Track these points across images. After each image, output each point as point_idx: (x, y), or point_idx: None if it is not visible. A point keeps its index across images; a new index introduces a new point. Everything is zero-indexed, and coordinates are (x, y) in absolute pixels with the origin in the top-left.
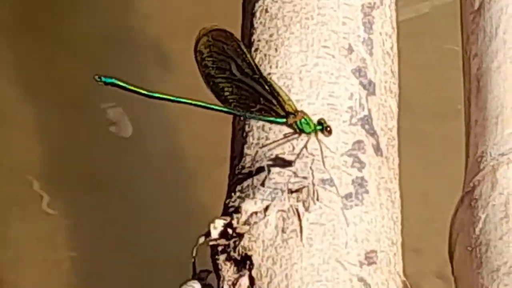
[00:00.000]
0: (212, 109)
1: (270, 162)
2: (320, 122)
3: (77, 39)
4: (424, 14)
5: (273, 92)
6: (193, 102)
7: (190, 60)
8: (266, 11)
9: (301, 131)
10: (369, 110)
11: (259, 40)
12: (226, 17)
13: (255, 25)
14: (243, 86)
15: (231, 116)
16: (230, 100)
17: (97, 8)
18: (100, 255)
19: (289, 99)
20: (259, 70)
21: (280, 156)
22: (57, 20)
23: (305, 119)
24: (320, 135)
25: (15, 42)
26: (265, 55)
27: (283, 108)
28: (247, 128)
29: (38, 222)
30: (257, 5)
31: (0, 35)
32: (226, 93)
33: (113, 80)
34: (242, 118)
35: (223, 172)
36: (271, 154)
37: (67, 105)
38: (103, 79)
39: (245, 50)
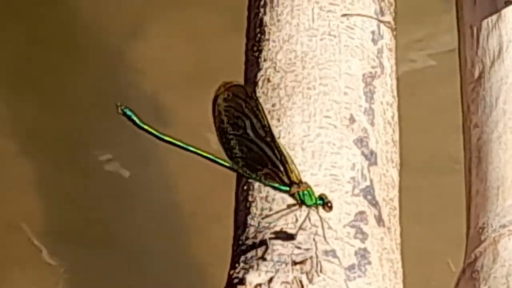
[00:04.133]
0: (218, 163)
1: (273, 236)
2: (322, 197)
3: (73, 94)
4: (419, 68)
5: (282, 158)
6: (202, 153)
7: (187, 113)
8: (269, 80)
9: (302, 202)
10: (371, 181)
11: (263, 108)
12: (221, 71)
13: (258, 95)
14: (253, 147)
15: (226, 175)
16: (239, 159)
17: (91, 64)
18: None
19: (296, 169)
20: (272, 134)
21: (283, 229)
22: (53, 75)
23: (308, 191)
24: (320, 209)
25: (12, 97)
26: None
27: (288, 177)
28: (250, 199)
29: (38, 275)
30: (259, 74)
31: None
32: (236, 151)
33: (131, 114)
34: (246, 180)
35: (218, 229)
36: (274, 226)
37: (65, 159)
38: (124, 109)
39: (262, 110)
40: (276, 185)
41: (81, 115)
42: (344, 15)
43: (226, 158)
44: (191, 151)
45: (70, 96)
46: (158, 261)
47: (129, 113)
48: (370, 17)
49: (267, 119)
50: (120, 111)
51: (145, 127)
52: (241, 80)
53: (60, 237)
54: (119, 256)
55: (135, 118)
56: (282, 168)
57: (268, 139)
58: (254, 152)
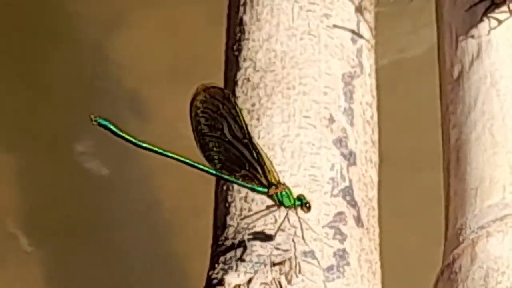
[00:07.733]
0: (197, 167)
1: (251, 237)
2: (300, 198)
3: (54, 88)
4: (401, 62)
5: (260, 160)
6: (179, 158)
7: (167, 109)
8: (248, 80)
9: (281, 203)
10: (350, 181)
11: (241, 110)
12: (202, 67)
13: (237, 94)
14: (231, 149)
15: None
16: (216, 161)
17: (73, 56)
18: None
19: (274, 170)
20: (249, 135)
21: (262, 229)
22: (33, 69)
23: (286, 192)
24: (299, 210)
25: None
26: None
27: (266, 178)
28: (229, 199)
29: (18, 269)
30: (239, 74)
31: None
32: (214, 153)
33: (107, 123)
34: (225, 182)
35: (199, 222)
36: (254, 226)
37: (44, 153)
38: (98, 119)
39: (239, 112)
40: (254, 186)
41: (59, 108)
42: (335, 26)
43: (203, 161)
44: (169, 157)
45: (48, 88)
46: (137, 255)
47: (104, 122)
48: (358, 34)
49: (244, 121)
50: (94, 122)
51: (122, 134)
52: (220, 80)
53: (41, 230)
54: (99, 249)
55: (111, 127)
56: (260, 170)
57: (246, 140)
58: (232, 154)
